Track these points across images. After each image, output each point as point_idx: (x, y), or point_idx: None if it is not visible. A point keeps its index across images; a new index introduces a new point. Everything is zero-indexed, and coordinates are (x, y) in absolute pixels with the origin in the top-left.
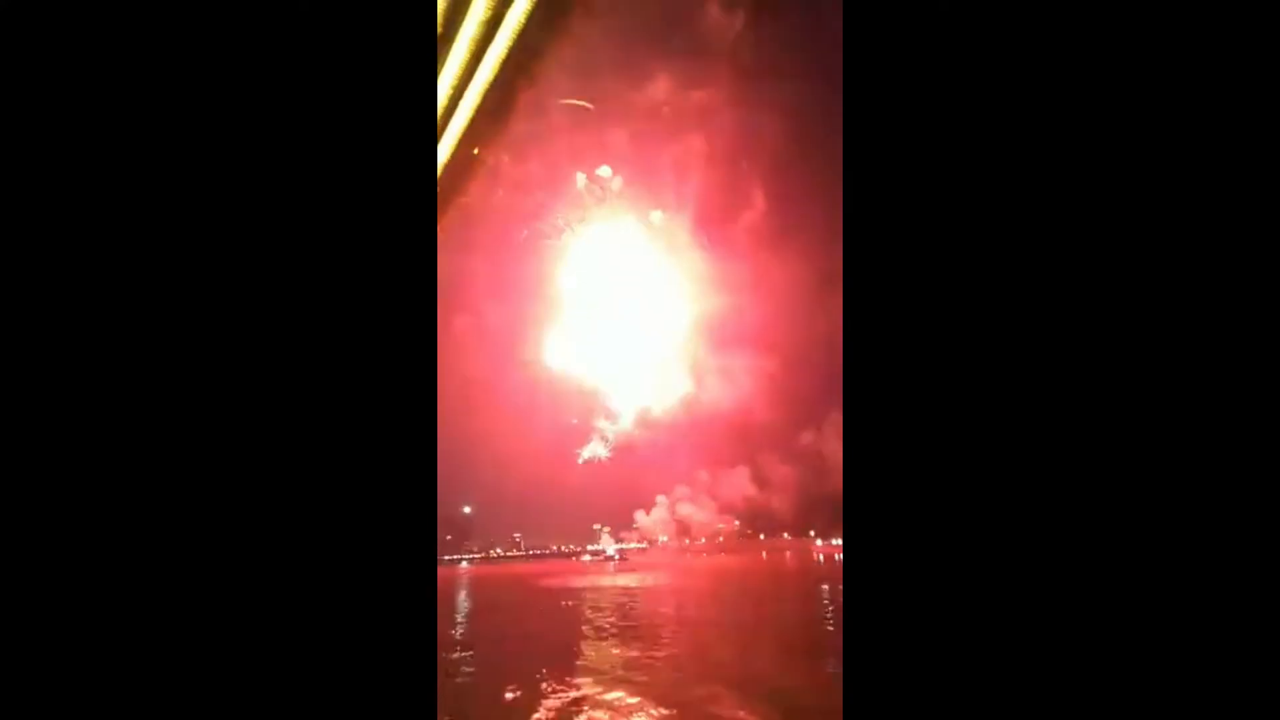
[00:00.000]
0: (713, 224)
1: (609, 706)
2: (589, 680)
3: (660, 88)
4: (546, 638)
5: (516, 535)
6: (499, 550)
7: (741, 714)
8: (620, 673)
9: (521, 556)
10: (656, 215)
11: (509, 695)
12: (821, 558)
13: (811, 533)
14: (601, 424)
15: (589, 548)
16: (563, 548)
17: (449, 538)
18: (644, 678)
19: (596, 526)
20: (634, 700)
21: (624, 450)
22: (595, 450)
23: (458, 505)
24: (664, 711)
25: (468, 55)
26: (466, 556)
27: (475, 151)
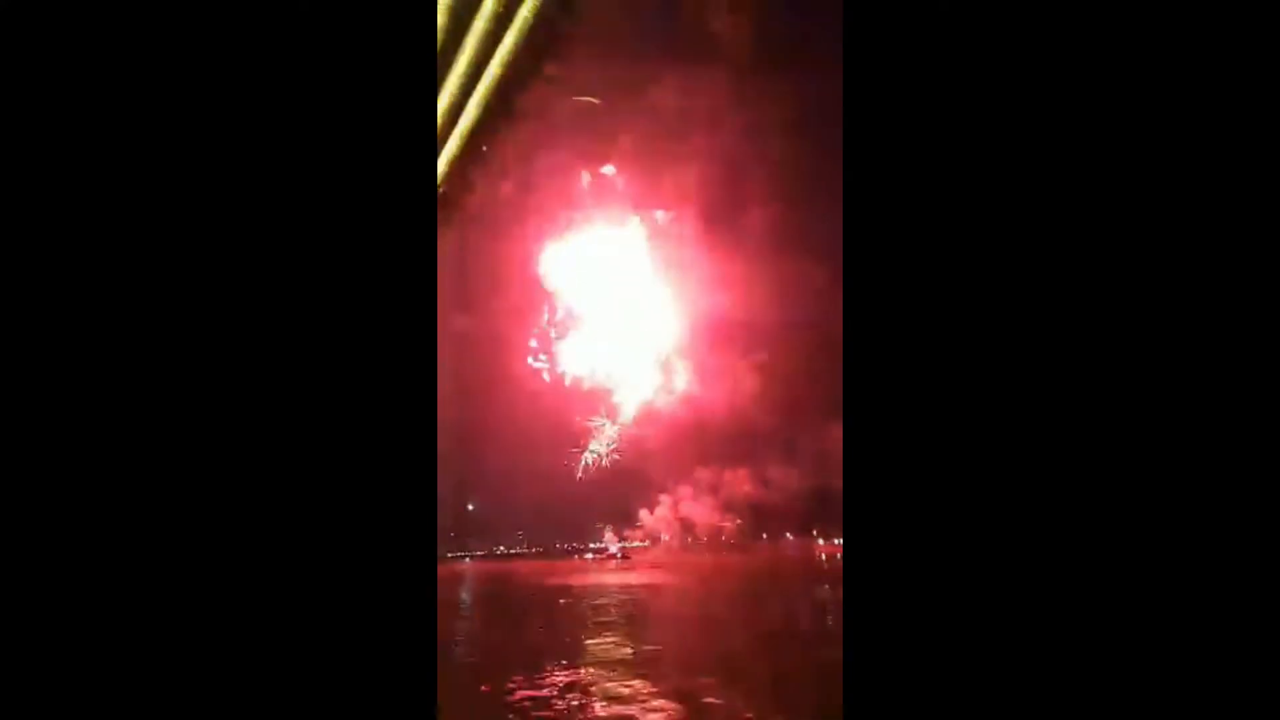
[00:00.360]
0: (718, 222)
1: (611, 699)
2: (591, 674)
3: (666, 87)
4: (549, 632)
5: (520, 533)
6: (502, 547)
7: (741, 708)
8: (622, 666)
9: (525, 554)
10: (661, 214)
11: (511, 687)
12: (824, 557)
13: (814, 532)
14: (605, 422)
15: (592, 545)
16: (566, 545)
17: (453, 535)
18: (646, 672)
19: (600, 524)
20: (636, 693)
21: (627, 448)
22: (599, 448)
23: (462, 502)
24: (665, 703)
25: (475, 53)
26: (470, 554)
27: (484, 149)
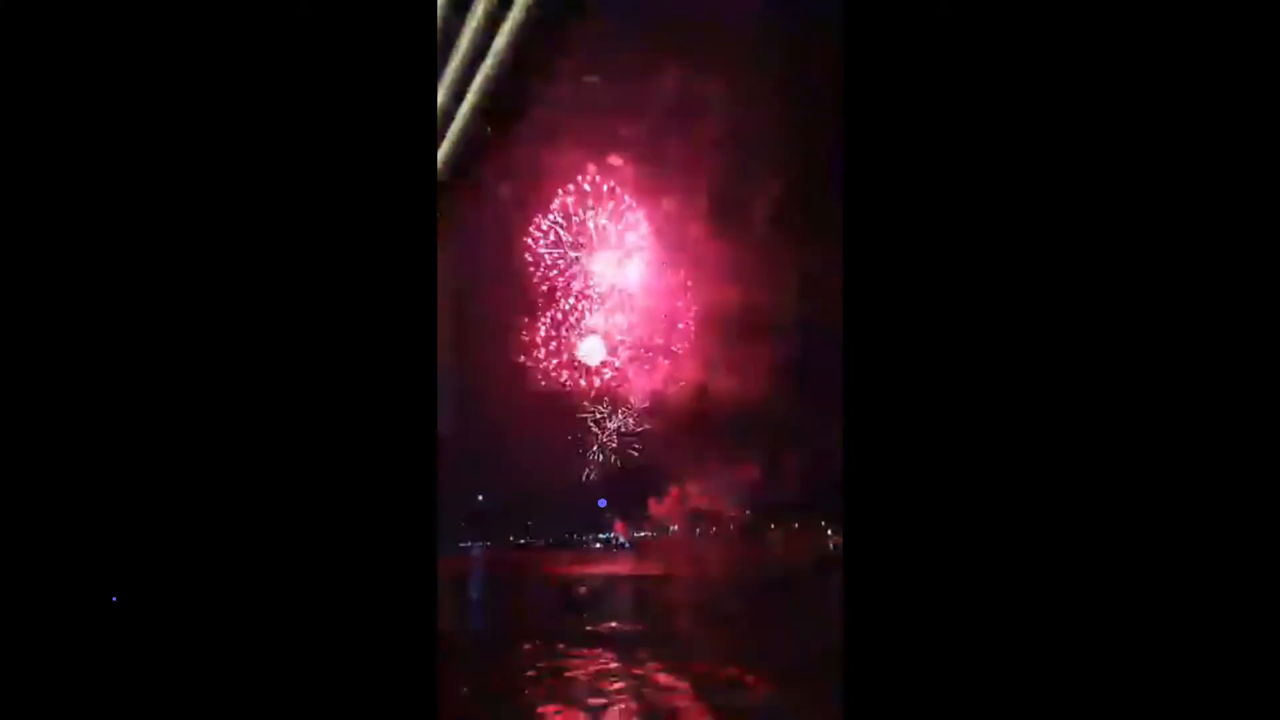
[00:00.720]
0: (726, 213)
1: (622, 679)
2: (600, 659)
3: (674, 75)
4: (559, 619)
5: (529, 522)
6: (512, 537)
7: (750, 688)
8: (634, 651)
9: (534, 544)
10: (669, 204)
11: (519, 673)
12: (833, 546)
13: (823, 523)
14: (613, 414)
15: (600, 536)
16: (574, 535)
17: (462, 525)
18: (656, 655)
19: (608, 514)
20: (646, 676)
21: (636, 440)
22: (607, 440)
23: (471, 493)
24: (675, 679)
25: (474, 45)
26: (479, 544)
27: (488, 130)
